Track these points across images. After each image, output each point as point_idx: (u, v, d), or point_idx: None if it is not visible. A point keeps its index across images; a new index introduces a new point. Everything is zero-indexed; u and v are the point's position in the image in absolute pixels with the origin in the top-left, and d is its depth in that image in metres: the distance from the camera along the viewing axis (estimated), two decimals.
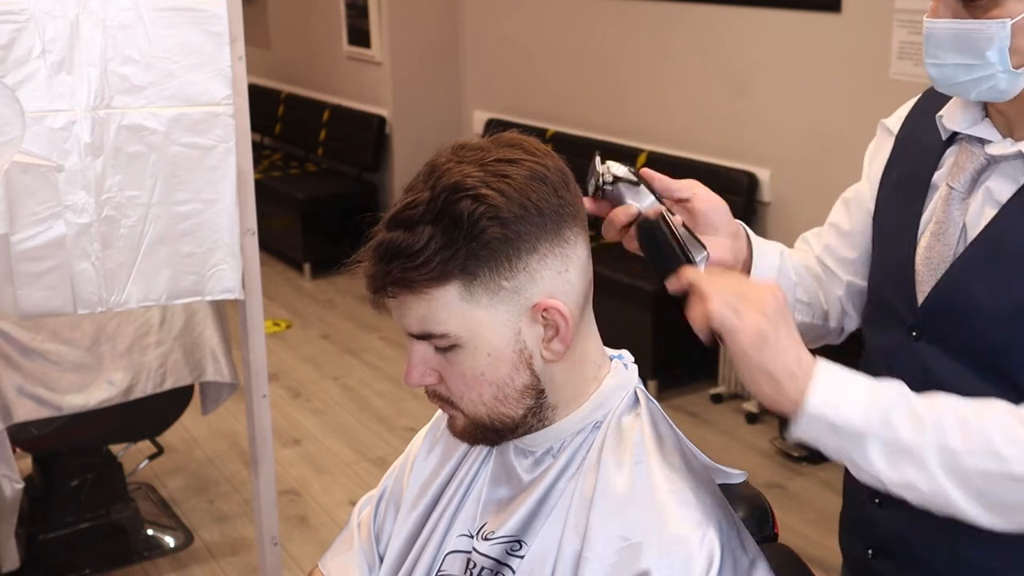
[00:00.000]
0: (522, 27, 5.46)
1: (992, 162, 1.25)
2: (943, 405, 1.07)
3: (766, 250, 1.42)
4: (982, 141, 1.27)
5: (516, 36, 5.52)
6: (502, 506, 1.15)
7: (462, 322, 1.04)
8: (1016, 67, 1.16)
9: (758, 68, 4.21)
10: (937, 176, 1.32)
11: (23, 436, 2.73)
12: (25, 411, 2.62)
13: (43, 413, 2.66)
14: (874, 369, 1.36)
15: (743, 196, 4.19)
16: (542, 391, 1.10)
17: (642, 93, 4.79)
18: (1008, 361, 1.19)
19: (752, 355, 1.04)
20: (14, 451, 2.65)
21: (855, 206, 1.50)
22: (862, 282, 1.49)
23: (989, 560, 1.21)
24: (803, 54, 4.03)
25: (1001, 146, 1.24)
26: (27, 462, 3.15)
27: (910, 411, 1.05)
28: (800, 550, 1.33)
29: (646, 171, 1.26)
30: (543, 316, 1.06)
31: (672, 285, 1.13)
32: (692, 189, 1.31)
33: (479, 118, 5.82)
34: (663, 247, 1.16)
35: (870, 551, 1.35)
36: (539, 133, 5.28)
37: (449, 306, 1.04)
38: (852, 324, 1.56)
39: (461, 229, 1.01)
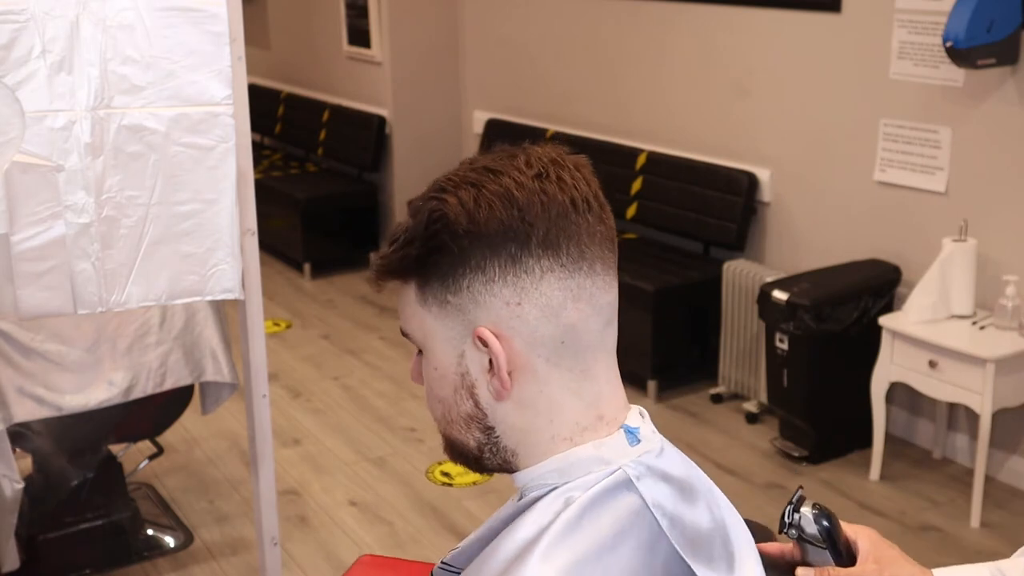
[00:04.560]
0: (522, 27, 5.47)
1: None
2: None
3: None
4: None
5: (516, 36, 5.52)
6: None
7: (418, 326, 1.01)
8: None
9: (758, 68, 4.22)
10: None
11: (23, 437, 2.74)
12: (25, 411, 2.62)
13: (43, 413, 2.66)
14: None
15: (743, 196, 4.19)
16: (491, 428, 1.00)
17: (642, 93, 4.79)
18: None
19: None
20: (14, 451, 2.65)
21: None
22: None
23: None
24: (803, 54, 4.03)
25: None
26: (27, 462, 3.15)
27: None
28: None
29: (845, 531, 1.19)
30: (478, 343, 0.97)
31: None
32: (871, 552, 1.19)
33: (479, 118, 5.82)
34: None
35: None
36: (539, 133, 5.28)
37: (411, 305, 1.00)
38: None
39: (421, 228, 0.97)
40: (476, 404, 0.99)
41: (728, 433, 3.95)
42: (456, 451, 1.04)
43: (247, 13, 2.23)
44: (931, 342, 3.28)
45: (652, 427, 1.03)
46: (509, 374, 0.97)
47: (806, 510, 1.15)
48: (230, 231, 2.14)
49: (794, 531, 1.15)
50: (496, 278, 0.95)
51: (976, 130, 3.47)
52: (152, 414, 3.06)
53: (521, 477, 1.01)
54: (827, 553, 1.15)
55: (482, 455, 1.02)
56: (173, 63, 2.03)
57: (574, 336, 0.97)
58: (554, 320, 0.96)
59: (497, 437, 1.00)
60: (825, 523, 1.15)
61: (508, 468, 1.02)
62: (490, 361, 0.97)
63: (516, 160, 0.98)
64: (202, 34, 2.05)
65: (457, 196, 0.95)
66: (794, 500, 1.16)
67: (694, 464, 1.04)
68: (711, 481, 1.05)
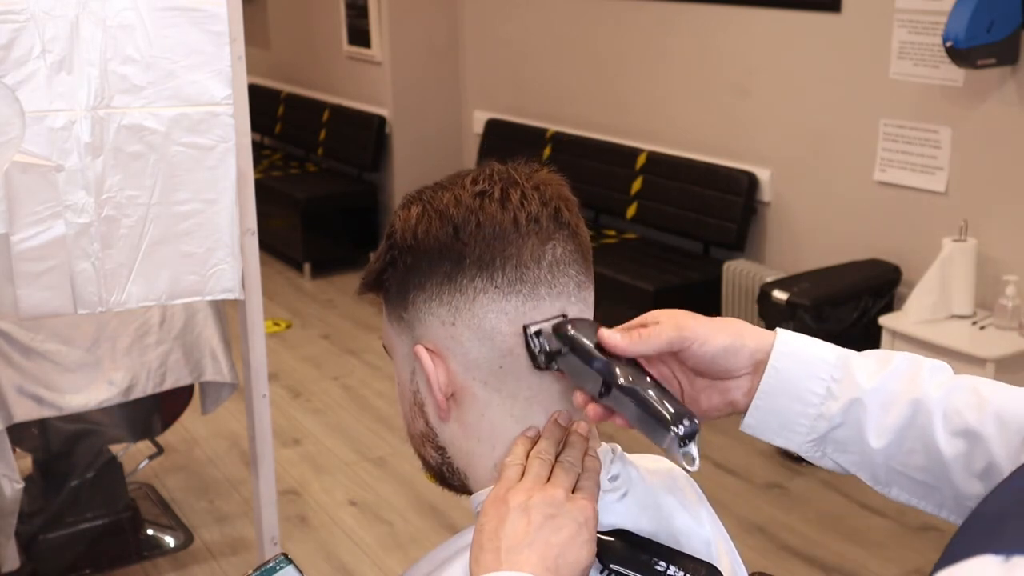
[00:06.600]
0: (522, 27, 5.47)
1: None
2: None
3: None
4: None
5: (516, 36, 5.52)
6: None
7: (387, 340, 1.00)
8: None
9: (758, 68, 4.22)
10: None
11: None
12: (25, 411, 2.62)
13: (43, 413, 2.66)
14: None
15: (743, 196, 4.19)
16: (443, 448, 0.98)
17: (642, 93, 4.79)
18: None
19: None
20: (14, 451, 2.65)
21: None
22: None
23: None
24: (803, 54, 4.03)
25: None
26: (27, 462, 3.15)
27: None
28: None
29: (601, 332, 0.91)
30: (416, 361, 0.95)
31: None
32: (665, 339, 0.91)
33: (479, 118, 5.82)
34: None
35: None
36: (539, 133, 5.28)
37: (383, 319, 1.00)
38: None
39: (383, 242, 0.98)
40: (426, 423, 0.98)
41: (728, 433, 3.95)
42: (425, 465, 1.03)
43: (247, 13, 2.23)
44: (931, 342, 3.28)
45: (624, 470, 0.98)
46: (452, 396, 0.94)
47: (545, 326, 0.92)
48: (230, 231, 2.14)
49: (543, 357, 0.91)
50: (433, 296, 0.93)
51: (976, 130, 3.47)
52: (152, 414, 3.07)
53: (473, 500, 0.99)
54: (579, 361, 0.90)
55: (442, 473, 1.00)
56: (173, 63, 2.03)
57: (513, 362, 0.92)
58: (488, 343, 0.92)
59: (450, 458, 0.98)
60: (569, 330, 0.91)
61: (466, 490, 1.00)
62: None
63: (466, 176, 0.95)
64: (202, 34, 2.05)
65: (408, 211, 0.94)
66: (537, 329, 0.92)
67: (675, 518, 1.00)
68: (697, 539, 1.00)
